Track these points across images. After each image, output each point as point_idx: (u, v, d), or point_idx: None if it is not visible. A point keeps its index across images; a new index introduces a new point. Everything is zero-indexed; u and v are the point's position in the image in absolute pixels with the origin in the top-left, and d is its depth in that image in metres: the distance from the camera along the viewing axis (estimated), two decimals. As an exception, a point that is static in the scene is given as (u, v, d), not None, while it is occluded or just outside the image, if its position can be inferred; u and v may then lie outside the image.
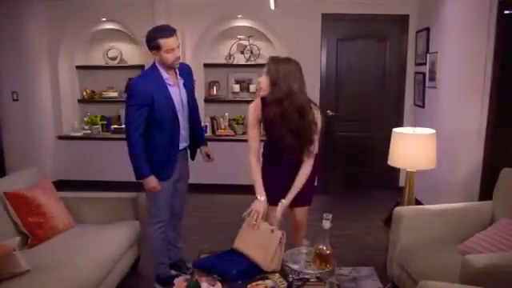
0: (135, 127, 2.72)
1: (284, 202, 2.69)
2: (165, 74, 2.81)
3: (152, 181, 2.80)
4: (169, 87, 2.82)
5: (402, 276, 2.81)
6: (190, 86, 3.02)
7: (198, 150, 3.20)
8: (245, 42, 5.68)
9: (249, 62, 5.71)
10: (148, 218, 3.01)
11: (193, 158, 3.19)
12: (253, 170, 2.75)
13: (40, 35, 5.48)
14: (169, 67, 2.81)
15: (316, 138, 2.69)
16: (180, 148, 2.97)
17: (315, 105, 2.72)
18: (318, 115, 2.68)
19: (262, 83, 2.58)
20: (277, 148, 2.69)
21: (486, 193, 3.37)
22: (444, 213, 2.91)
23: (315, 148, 2.72)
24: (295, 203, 2.84)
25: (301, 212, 2.92)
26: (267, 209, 2.77)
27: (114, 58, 5.89)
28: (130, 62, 5.89)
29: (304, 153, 2.67)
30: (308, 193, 2.86)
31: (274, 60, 2.59)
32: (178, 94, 2.88)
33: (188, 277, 2.34)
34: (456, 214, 2.89)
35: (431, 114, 4.62)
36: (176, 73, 2.90)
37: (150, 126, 2.78)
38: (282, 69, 2.51)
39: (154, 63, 2.83)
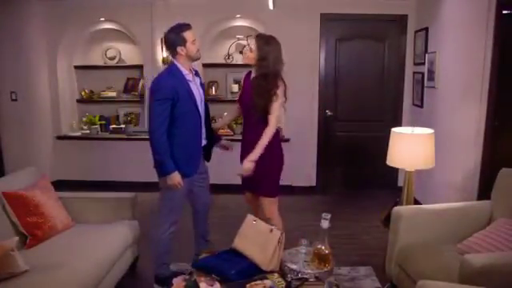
0: (160, 122, 2.77)
1: (255, 154, 2.88)
2: (184, 71, 2.90)
3: (177, 176, 2.82)
4: (189, 83, 2.91)
5: (400, 275, 2.81)
6: (202, 88, 3.12)
7: (215, 147, 3.26)
8: (243, 42, 5.68)
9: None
10: (158, 217, 3.02)
11: (208, 158, 3.23)
12: None
13: (39, 35, 5.47)
14: (194, 59, 2.95)
15: (274, 108, 2.91)
16: (202, 144, 3.05)
17: (281, 80, 2.98)
18: (280, 90, 2.94)
19: (248, 54, 2.98)
20: (249, 112, 3.01)
21: (484, 192, 3.38)
22: (443, 212, 2.92)
23: (272, 121, 2.93)
24: (255, 189, 3.11)
25: (263, 203, 3.09)
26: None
27: (112, 58, 5.89)
28: (129, 62, 5.89)
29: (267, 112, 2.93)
30: (267, 183, 3.04)
31: (264, 40, 2.96)
32: (196, 90, 2.97)
33: (187, 277, 2.34)
34: (455, 214, 2.90)
35: (430, 114, 4.62)
36: (192, 71, 3.00)
37: (174, 121, 2.83)
38: (272, 49, 2.93)
39: (173, 62, 2.92)
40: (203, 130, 3.04)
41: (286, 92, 3.01)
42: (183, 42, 2.83)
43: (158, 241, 3.03)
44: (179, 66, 2.89)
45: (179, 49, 2.85)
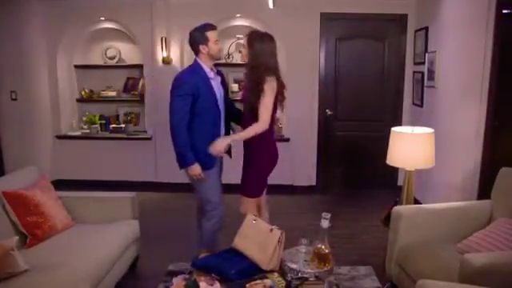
0: (181, 117, 2.90)
1: (231, 137, 2.98)
2: (206, 69, 3.03)
3: (197, 168, 2.94)
4: (210, 81, 3.03)
5: (400, 275, 2.81)
6: (224, 86, 3.24)
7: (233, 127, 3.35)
8: (243, 41, 5.67)
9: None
10: (205, 208, 3.11)
11: (229, 154, 3.29)
12: None
13: (39, 35, 5.47)
14: (215, 58, 3.09)
15: (262, 103, 2.88)
16: None
17: (272, 76, 2.92)
18: (268, 85, 2.88)
19: (242, 51, 3.02)
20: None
21: (484, 192, 3.38)
22: (443, 212, 2.92)
23: (261, 117, 2.89)
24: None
25: (242, 197, 3.10)
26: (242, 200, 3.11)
27: (112, 58, 5.89)
28: (129, 62, 5.89)
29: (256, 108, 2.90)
30: (245, 180, 3.07)
31: (256, 37, 2.99)
32: (217, 87, 3.09)
33: (187, 276, 2.33)
34: (455, 213, 2.90)
35: (430, 114, 4.62)
36: (213, 69, 3.12)
37: (195, 117, 2.95)
38: (265, 45, 2.95)
39: (196, 60, 3.05)
40: (222, 127, 3.13)
41: (284, 91, 3.02)
42: (206, 41, 2.97)
43: (207, 232, 3.11)
44: (201, 63, 3.03)
45: (201, 47, 2.98)
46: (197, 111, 2.94)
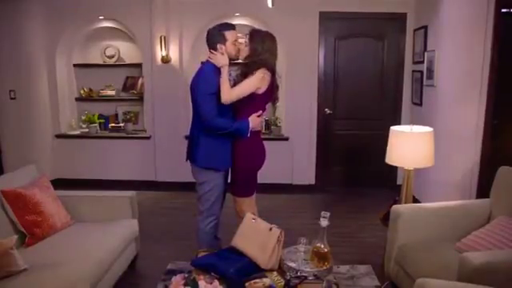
0: (212, 116, 2.81)
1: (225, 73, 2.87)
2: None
3: (253, 119, 2.90)
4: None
5: (399, 274, 2.82)
6: None
7: None
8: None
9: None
10: (200, 213, 3.07)
11: None
12: None
13: (38, 33, 5.46)
14: (232, 59, 2.97)
15: (239, 85, 2.90)
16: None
17: (265, 70, 2.92)
18: (258, 74, 2.89)
19: (242, 48, 2.99)
20: None
21: (483, 191, 3.39)
22: (442, 211, 2.92)
23: (232, 90, 2.88)
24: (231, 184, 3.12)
25: (235, 198, 3.11)
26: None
27: (111, 57, 5.88)
28: (128, 61, 5.88)
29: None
30: (233, 180, 3.07)
31: (260, 36, 2.98)
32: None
33: (186, 275, 2.33)
34: (454, 212, 2.90)
35: (429, 113, 4.62)
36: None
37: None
38: (266, 45, 2.94)
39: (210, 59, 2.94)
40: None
41: (277, 92, 3.04)
42: (223, 41, 2.89)
43: (205, 234, 3.08)
44: None
45: (219, 46, 2.89)
46: (219, 110, 2.85)
